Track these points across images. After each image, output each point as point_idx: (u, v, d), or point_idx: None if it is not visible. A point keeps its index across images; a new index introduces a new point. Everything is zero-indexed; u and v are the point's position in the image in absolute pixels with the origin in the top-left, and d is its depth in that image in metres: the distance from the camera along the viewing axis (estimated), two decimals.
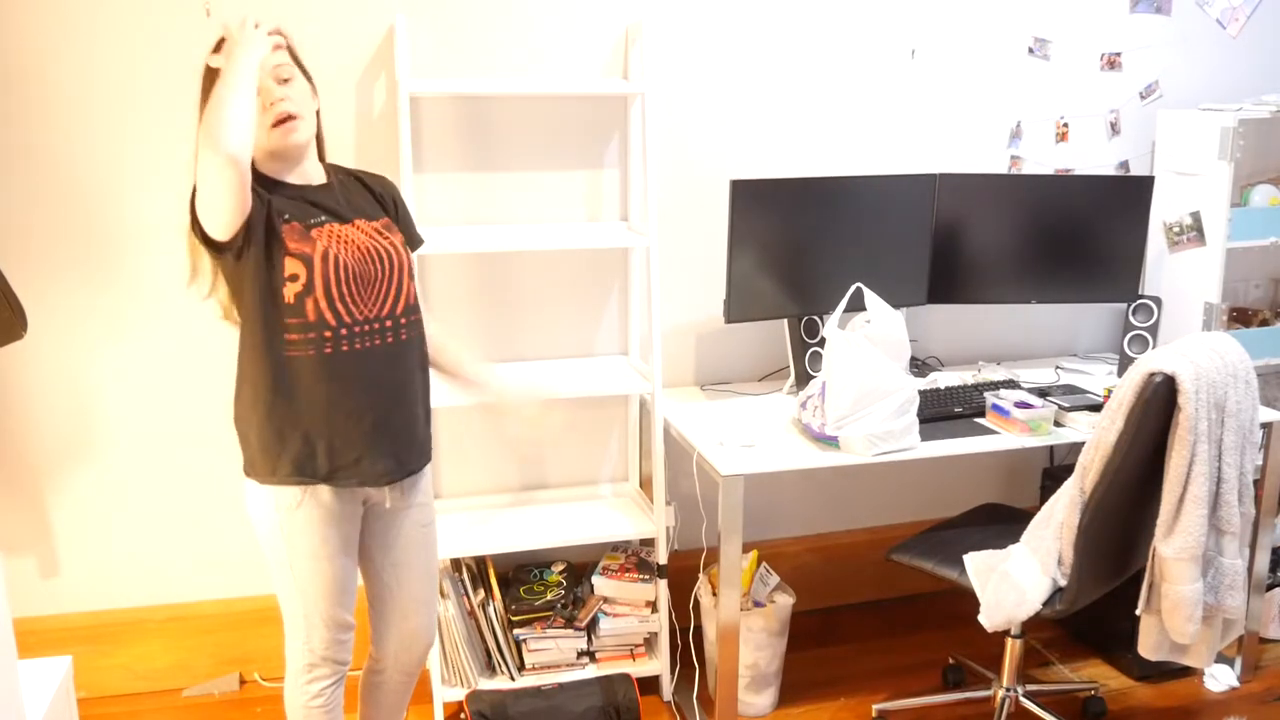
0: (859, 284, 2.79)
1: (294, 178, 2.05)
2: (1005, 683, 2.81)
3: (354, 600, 2.17)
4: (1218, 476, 2.27)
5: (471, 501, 3.08)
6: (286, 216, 1.98)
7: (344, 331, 2.01)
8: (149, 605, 2.97)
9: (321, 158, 2.15)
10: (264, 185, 2.01)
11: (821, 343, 3.05)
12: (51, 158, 2.66)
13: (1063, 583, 2.38)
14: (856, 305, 2.77)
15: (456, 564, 2.90)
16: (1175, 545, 2.25)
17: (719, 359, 3.25)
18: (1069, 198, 3.16)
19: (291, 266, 1.97)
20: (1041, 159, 3.38)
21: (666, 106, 3.03)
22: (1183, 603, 2.27)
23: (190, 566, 2.99)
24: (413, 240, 2.27)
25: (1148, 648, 2.41)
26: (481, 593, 2.88)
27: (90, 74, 2.64)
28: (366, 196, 2.16)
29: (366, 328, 2.04)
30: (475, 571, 2.92)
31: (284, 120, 1.97)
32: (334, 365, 2.01)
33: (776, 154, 3.15)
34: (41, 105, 2.63)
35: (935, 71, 3.22)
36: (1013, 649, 2.78)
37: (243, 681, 3.07)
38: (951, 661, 3.13)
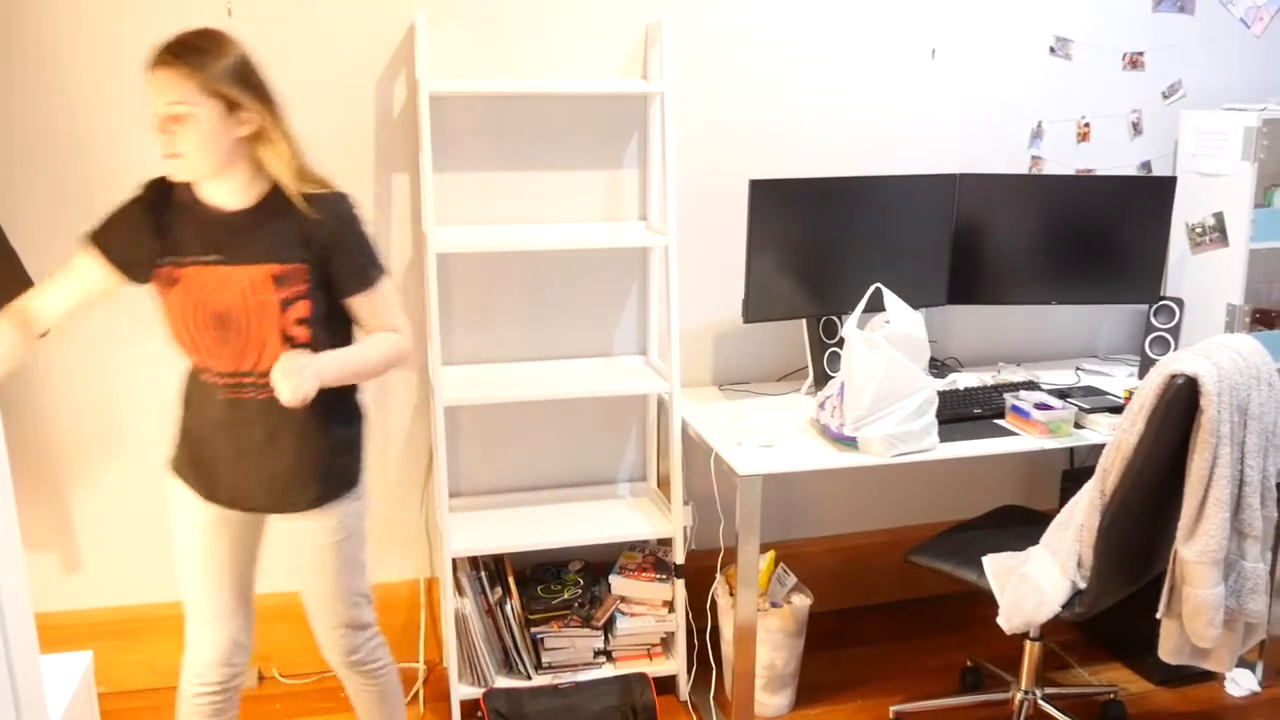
0: (878, 284, 2.78)
1: (213, 197, 1.96)
2: (1024, 685, 2.79)
3: (229, 608, 2.19)
4: (1240, 479, 2.26)
5: (489, 500, 3.09)
6: (163, 260, 1.96)
7: (214, 381, 2.03)
8: (169, 601, 2.99)
9: (290, 175, 1.96)
10: (178, 200, 1.98)
11: (840, 343, 3.04)
12: (79, 153, 2.68)
13: (1082, 585, 2.37)
14: (876, 305, 2.76)
15: (474, 562, 2.91)
16: (1196, 548, 2.24)
17: (737, 359, 3.25)
18: (1090, 198, 3.14)
19: (159, 310, 2.01)
20: (1063, 159, 3.36)
21: (686, 106, 3.03)
22: (1204, 606, 2.25)
23: None
24: (347, 284, 2.01)
25: (1168, 651, 2.40)
26: (499, 591, 2.89)
27: (112, 69, 2.65)
28: (289, 234, 1.96)
29: (231, 380, 2.01)
30: (493, 570, 2.92)
31: (170, 156, 1.89)
32: (217, 403, 2.05)
33: (796, 154, 3.14)
34: (67, 100, 2.65)
35: (956, 71, 3.21)
36: (1031, 651, 2.76)
37: (261, 678, 3.08)
38: (969, 664, 3.12)
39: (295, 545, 2.15)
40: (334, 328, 2.05)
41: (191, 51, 1.85)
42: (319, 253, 1.97)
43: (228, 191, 1.95)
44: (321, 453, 2.08)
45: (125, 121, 2.68)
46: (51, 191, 2.69)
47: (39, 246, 2.69)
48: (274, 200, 1.96)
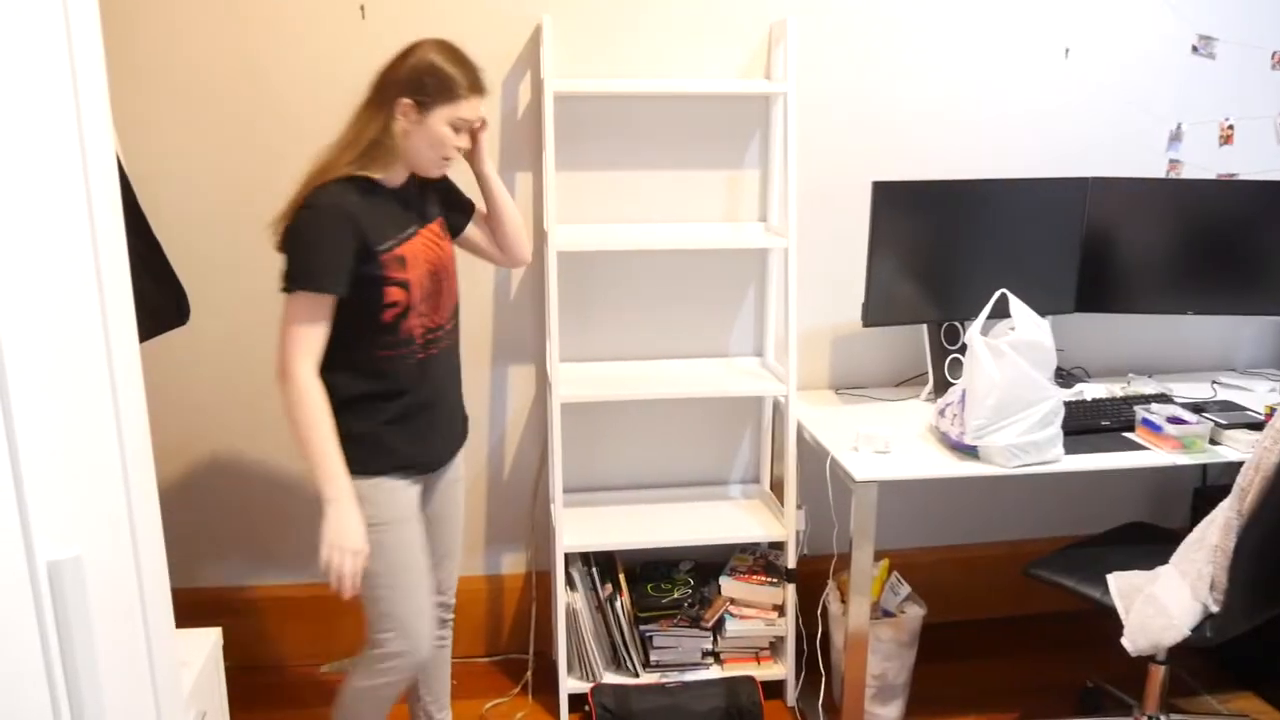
0: (1004, 290, 2.71)
1: (392, 180, 2.18)
2: (1147, 710, 2.69)
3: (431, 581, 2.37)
4: None
5: (601, 496, 3.12)
6: (385, 245, 2.09)
7: (420, 341, 2.19)
8: (293, 584, 3.10)
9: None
10: (366, 189, 2.12)
11: (962, 349, 2.97)
12: (232, 152, 2.79)
13: (1214, 609, 2.27)
14: (1001, 312, 2.68)
15: (586, 558, 2.93)
16: None
17: (855, 363, 3.21)
18: (1231, 204, 3.01)
19: (393, 294, 2.11)
20: (1203, 163, 3.22)
21: (809, 107, 3.00)
22: None
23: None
24: (464, 208, 2.39)
25: None
26: (609, 588, 2.91)
27: (258, 77, 2.76)
28: (431, 196, 2.30)
29: (432, 336, 2.21)
30: (604, 566, 2.94)
31: (449, 158, 2.18)
32: (415, 372, 2.19)
33: (922, 156, 3.08)
34: (221, 97, 2.76)
35: (1091, 71, 3.11)
36: (1156, 676, 2.66)
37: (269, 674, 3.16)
38: (1090, 685, 3.02)
39: (441, 497, 2.40)
40: None
41: None
42: (445, 199, 2.36)
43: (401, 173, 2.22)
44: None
45: (273, 114, 2.79)
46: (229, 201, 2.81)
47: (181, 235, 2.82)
48: (411, 174, 2.25)
